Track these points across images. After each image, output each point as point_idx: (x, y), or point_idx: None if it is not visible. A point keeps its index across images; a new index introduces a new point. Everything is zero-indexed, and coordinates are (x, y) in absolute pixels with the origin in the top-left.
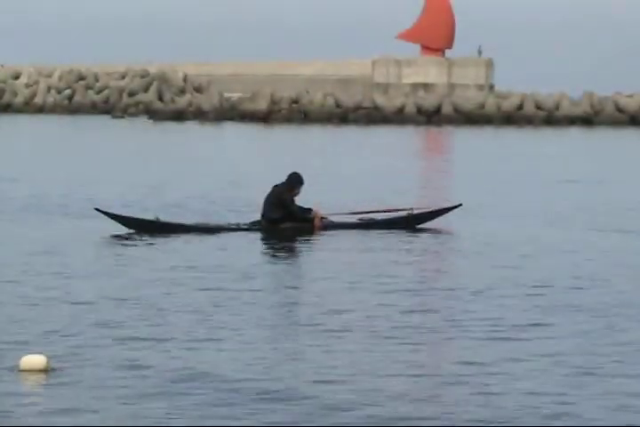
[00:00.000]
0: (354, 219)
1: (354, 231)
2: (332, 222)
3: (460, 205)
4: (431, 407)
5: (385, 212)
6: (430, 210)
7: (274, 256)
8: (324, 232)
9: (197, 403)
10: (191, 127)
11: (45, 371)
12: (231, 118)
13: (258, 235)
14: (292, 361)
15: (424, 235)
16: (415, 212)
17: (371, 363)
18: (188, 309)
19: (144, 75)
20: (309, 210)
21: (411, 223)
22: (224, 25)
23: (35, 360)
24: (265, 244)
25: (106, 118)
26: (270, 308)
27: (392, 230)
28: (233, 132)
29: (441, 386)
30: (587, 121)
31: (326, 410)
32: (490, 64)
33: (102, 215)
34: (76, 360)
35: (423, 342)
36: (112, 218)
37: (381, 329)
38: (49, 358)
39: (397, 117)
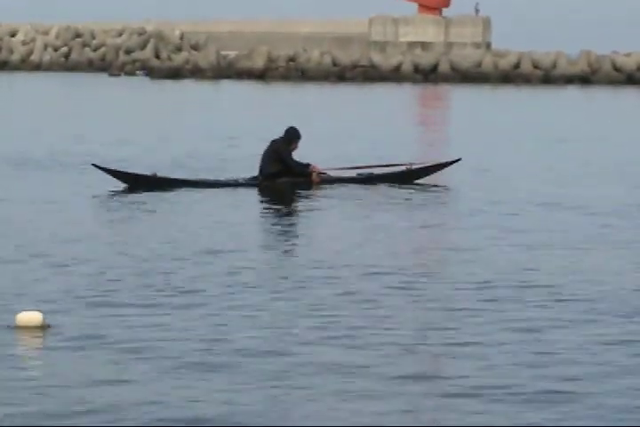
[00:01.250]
0: (352, 174)
1: (352, 186)
2: (330, 177)
3: (459, 159)
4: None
5: (383, 167)
6: (429, 165)
7: (270, 212)
8: (322, 187)
9: (193, 362)
10: (188, 85)
11: (41, 328)
12: (228, 76)
13: (255, 190)
14: (287, 322)
15: (422, 190)
16: (414, 167)
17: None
18: (184, 266)
19: (141, 32)
20: (307, 165)
21: (409, 178)
22: None
23: (31, 317)
24: (262, 199)
25: (102, 76)
26: (265, 265)
27: (390, 185)
28: (230, 89)
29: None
30: (584, 80)
31: (310, 367)
32: (487, 22)
33: (99, 171)
34: (72, 318)
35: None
36: (109, 173)
37: (375, 290)
38: (45, 314)
39: (394, 76)
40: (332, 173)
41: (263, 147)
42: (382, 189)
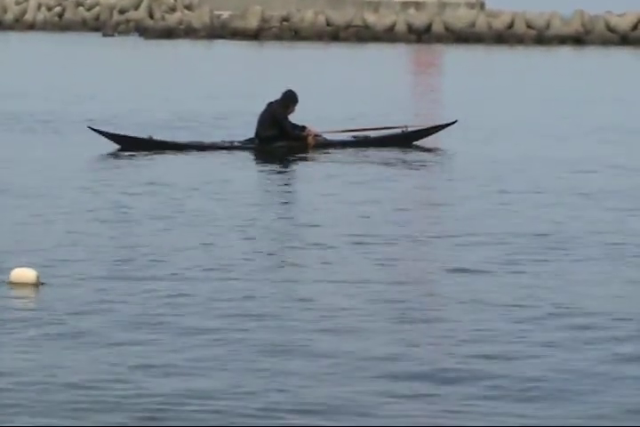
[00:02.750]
0: (348, 136)
1: (347, 149)
2: (326, 140)
3: (456, 121)
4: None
5: (379, 129)
6: (425, 127)
7: (265, 177)
8: (318, 150)
9: (185, 327)
10: (182, 45)
11: (35, 285)
12: (222, 36)
13: (251, 153)
14: (279, 284)
15: (419, 152)
16: (409, 129)
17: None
18: (177, 228)
19: None
20: (303, 127)
21: (405, 141)
22: None
23: (25, 274)
24: (258, 162)
25: (96, 36)
26: (259, 230)
27: (386, 148)
28: (223, 49)
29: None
30: (578, 40)
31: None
32: None
33: (95, 133)
34: (67, 275)
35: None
36: (105, 136)
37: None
38: (39, 271)
39: (388, 36)
40: (328, 136)
41: (259, 107)
42: (378, 152)
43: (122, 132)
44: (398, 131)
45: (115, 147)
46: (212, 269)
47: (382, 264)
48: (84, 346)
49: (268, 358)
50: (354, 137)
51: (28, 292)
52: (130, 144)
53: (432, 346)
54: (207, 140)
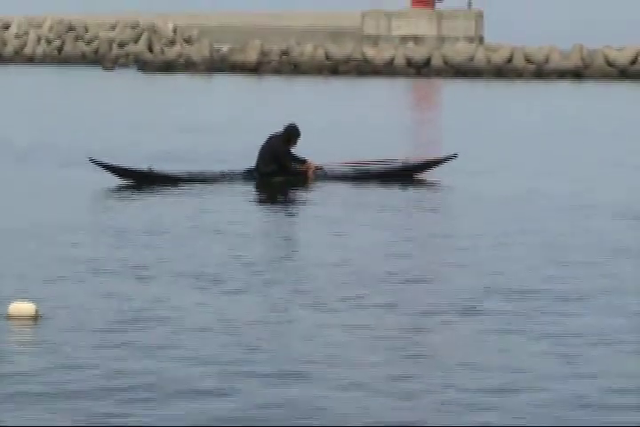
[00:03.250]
0: (349, 169)
1: (348, 183)
2: (327, 173)
3: (456, 155)
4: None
5: (380, 162)
6: (425, 160)
7: (265, 209)
8: (319, 183)
9: (190, 356)
10: (181, 78)
11: (34, 318)
12: (221, 69)
13: (251, 187)
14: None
15: (419, 186)
16: (410, 162)
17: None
18: (177, 263)
19: (134, 26)
20: (304, 160)
21: (406, 174)
22: None
23: (23, 307)
24: (257, 198)
25: (96, 69)
26: (258, 264)
27: (387, 182)
28: (223, 82)
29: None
30: (577, 74)
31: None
32: (479, 16)
33: (95, 165)
34: (65, 308)
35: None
36: (105, 168)
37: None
38: (38, 305)
39: (387, 69)
40: (328, 169)
41: (258, 140)
42: (378, 186)
43: (122, 165)
44: (399, 163)
45: (115, 179)
46: (205, 304)
47: (378, 307)
48: (84, 378)
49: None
50: (355, 170)
51: (27, 325)
52: (130, 176)
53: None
54: (207, 171)
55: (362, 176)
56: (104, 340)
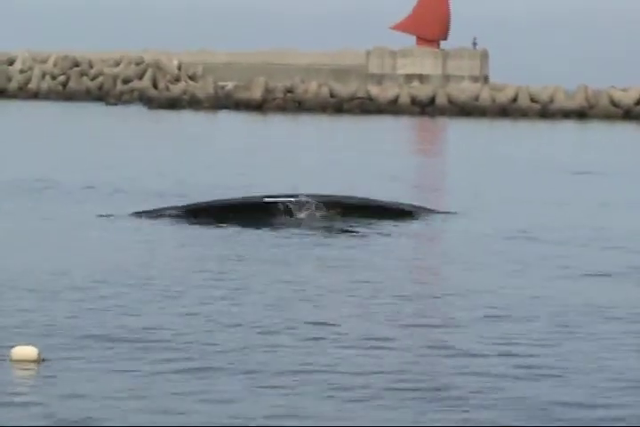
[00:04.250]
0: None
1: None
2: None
3: (455, 213)
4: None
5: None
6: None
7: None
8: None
9: (200, 400)
10: (185, 115)
11: (37, 362)
12: (226, 107)
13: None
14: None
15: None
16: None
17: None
18: (183, 307)
19: (139, 62)
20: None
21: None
22: (220, 13)
23: (26, 351)
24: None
25: (100, 105)
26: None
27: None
28: (227, 120)
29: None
30: (581, 114)
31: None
32: (485, 56)
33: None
34: (67, 352)
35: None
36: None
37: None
38: (40, 349)
39: (391, 108)
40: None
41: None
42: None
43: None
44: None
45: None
46: (208, 332)
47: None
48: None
49: None
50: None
51: (30, 369)
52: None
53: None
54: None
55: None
56: (107, 385)
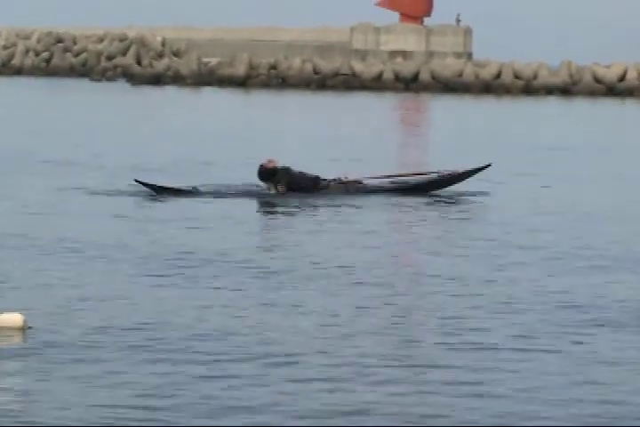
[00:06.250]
0: (387, 182)
1: (388, 194)
2: (366, 186)
3: (490, 165)
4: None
5: (415, 175)
6: (461, 171)
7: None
8: (360, 195)
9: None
10: (169, 91)
11: (22, 329)
12: (209, 83)
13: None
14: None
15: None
16: (446, 174)
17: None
18: (171, 275)
19: (122, 38)
20: (317, 177)
21: (443, 185)
22: None
23: (12, 318)
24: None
25: (83, 81)
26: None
27: (424, 193)
28: (211, 96)
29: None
30: (565, 91)
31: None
32: (468, 32)
33: (142, 186)
34: (54, 320)
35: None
36: (150, 188)
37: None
38: (26, 316)
39: (375, 84)
40: (367, 182)
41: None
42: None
43: (168, 185)
44: (435, 176)
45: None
46: (204, 308)
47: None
48: (76, 389)
49: None
50: (392, 182)
51: (15, 336)
52: (176, 196)
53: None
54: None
55: (401, 188)
56: (92, 354)
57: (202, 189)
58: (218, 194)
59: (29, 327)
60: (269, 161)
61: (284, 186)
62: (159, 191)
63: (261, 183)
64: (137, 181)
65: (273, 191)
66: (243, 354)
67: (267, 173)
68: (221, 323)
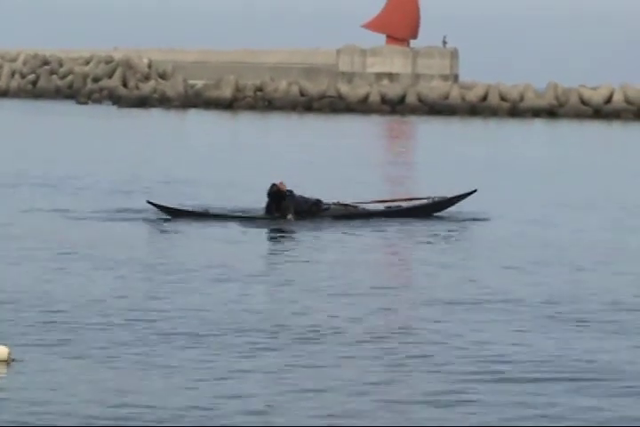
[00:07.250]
0: (381, 207)
1: (382, 219)
2: (361, 211)
3: (475, 191)
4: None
5: (406, 200)
6: (449, 197)
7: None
8: (354, 220)
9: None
10: (155, 114)
11: (7, 362)
12: (195, 105)
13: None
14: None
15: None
16: (436, 199)
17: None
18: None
19: (109, 61)
20: (318, 201)
21: (433, 210)
22: (190, 12)
23: None
24: (282, 234)
25: (70, 104)
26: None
27: (414, 218)
28: (197, 118)
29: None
30: (551, 113)
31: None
32: (454, 54)
33: (153, 207)
34: (39, 352)
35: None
36: (161, 210)
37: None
38: (11, 348)
39: (362, 106)
40: (361, 207)
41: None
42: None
43: (180, 207)
44: (426, 201)
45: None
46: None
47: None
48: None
49: None
50: (386, 207)
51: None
52: (186, 217)
53: None
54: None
55: (392, 213)
56: (76, 389)
57: (212, 210)
58: (226, 217)
59: (14, 360)
60: (281, 183)
61: (293, 214)
62: (171, 213)
63: (265, 201)
64: (149, 202)
65: (276, 214)
66: (243, 353)
67: (277, 195)
68: (223, 321)
